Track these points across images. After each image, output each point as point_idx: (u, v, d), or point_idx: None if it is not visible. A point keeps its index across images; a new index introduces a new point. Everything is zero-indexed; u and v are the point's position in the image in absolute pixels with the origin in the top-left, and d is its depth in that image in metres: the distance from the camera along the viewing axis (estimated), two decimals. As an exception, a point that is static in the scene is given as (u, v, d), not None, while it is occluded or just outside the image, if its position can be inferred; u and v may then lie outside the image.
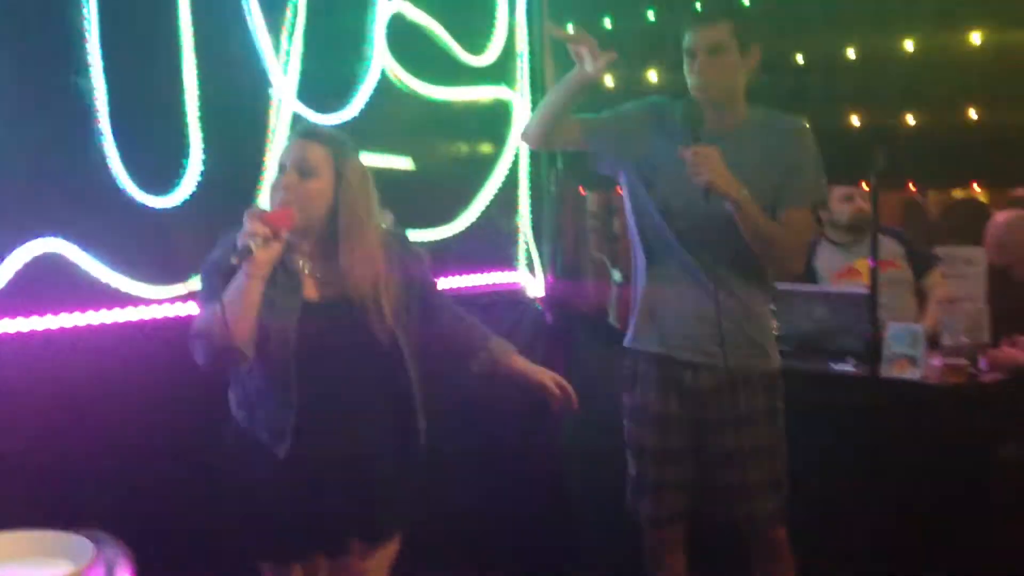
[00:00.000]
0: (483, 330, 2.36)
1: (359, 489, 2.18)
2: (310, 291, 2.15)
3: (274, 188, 2.12)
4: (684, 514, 2.68)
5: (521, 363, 2.33)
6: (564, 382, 2.30)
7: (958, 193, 4.22)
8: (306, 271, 2.14)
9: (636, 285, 2.71)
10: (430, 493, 2.38)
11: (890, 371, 3.07)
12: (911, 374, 3.08)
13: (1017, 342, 3.19)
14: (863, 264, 3.77)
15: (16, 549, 1.54)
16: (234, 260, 1.96)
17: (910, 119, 2.94)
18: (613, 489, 3.31)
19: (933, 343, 3.16)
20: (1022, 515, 2.86)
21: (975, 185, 2.85)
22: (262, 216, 2.00)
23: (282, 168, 2.14)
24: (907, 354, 3.12)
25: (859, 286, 3.56)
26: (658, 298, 2.61)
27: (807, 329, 3.38)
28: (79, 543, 1.55)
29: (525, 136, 2.71)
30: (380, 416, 2.22)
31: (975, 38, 2.81)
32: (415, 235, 3.32)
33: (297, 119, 2.90)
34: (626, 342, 2.72)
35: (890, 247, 3.68)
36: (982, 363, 3.13)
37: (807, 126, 2.55)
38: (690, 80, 2.46)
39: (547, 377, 2.30)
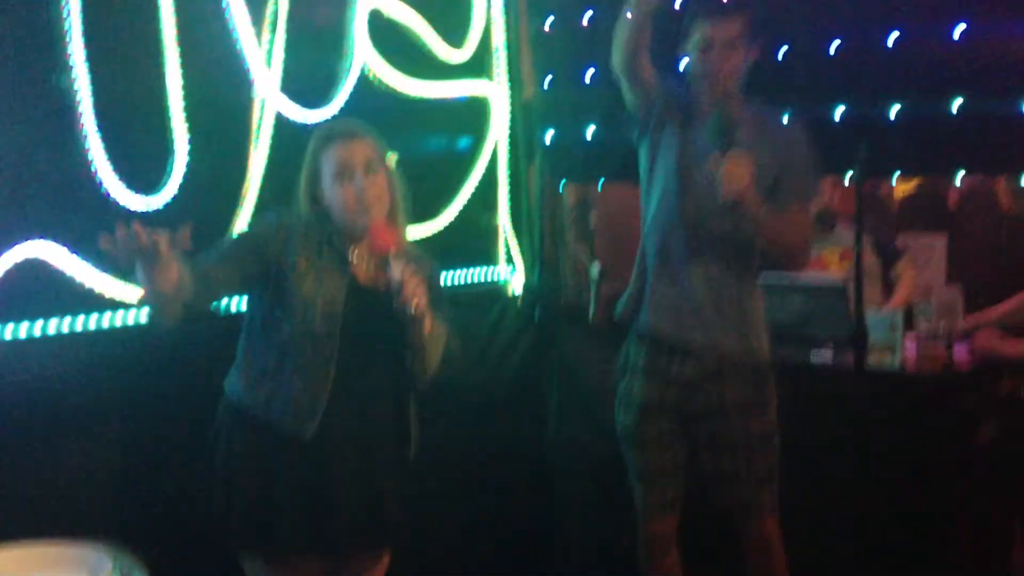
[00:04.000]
0: None
1: (368, 486, 2.17)
2: (358, 274, 2.19)
3: (348, 194, 2.13)
4: (676, 503, 2.70)
5: None
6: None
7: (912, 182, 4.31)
8: (353, 259, 2.19)
9: (644, 274, 2.70)
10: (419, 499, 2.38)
11: (868, 359, 3.12)
12: (889, 362, 3.14)
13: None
14: (831, 254, 3.85)
15: (31, 562, 1.51)
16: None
17: (892, 111, 3.00)
18: (599, 484, 3.34)
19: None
20: (1002, 501, 2.94)
21: (960, 175, 2.91)
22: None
23: (346, 172, 2.14)
24: (885, 342, 3.19)
25: (833, 276, 3.63)
26: (662, 289, 2.62)
27: (784, 320, 3.42)
28: (95, 555, 1.52)
29: (614, 63, 2.58)
30: (390, 412, 2.24)
31: (956, 31, 2.87)
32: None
33: (280, 117, 2.87)
34: (636, 329, 2.71)
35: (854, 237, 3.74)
36: (956, 350, 3.21)
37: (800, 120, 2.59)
38: (700, 70, 2.45)
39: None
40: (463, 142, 3.63)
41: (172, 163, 2.61)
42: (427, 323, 2.09)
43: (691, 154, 2.53)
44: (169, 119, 2.60)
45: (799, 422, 2.84)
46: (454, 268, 3.54)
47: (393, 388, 2.24)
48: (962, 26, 2.87)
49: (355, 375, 2.15)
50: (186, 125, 2.62)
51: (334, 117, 3.06)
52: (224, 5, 2.74)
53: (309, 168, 2.21)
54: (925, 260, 4.11)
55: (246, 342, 2.19)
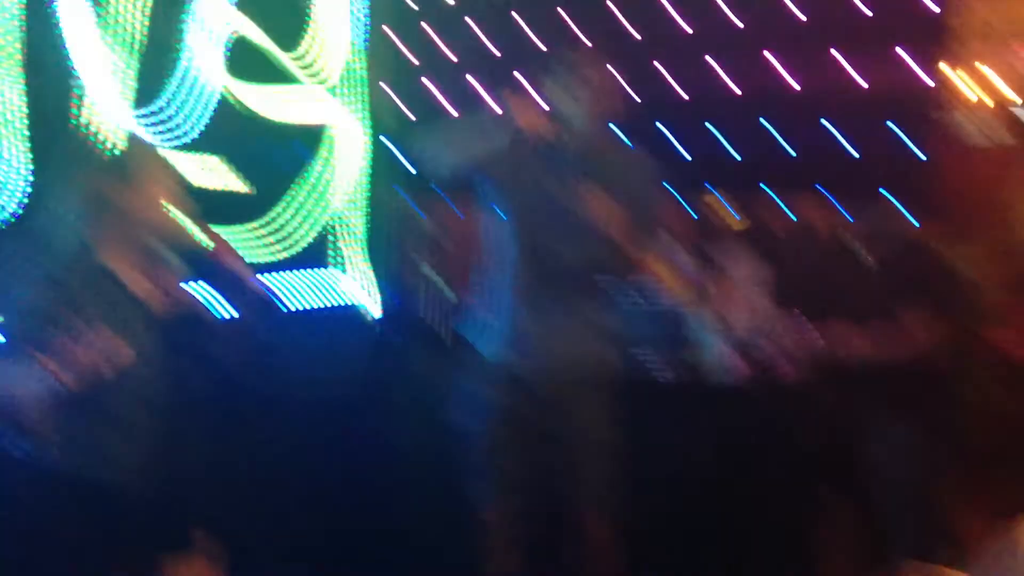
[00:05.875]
0: None
1: None
2: None
3: None
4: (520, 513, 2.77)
5: None
6: None
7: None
8: None
9: (499, 301, 2.69)
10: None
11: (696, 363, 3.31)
12: (714, 365, 3.32)
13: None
14: (662, 267, 4.02)
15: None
16: None
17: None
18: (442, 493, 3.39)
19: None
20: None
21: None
22: None
23: None
24: (709, 346, 3.37)
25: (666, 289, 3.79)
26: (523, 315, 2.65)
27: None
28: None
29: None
30: None
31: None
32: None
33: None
34: (490, 355, 2.69)
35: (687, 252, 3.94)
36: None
37: None
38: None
39: None
40: (325, 165, 3.71)
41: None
42: None
43: (540, 186, 2.63)
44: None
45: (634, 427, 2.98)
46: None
47: None
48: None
49: None
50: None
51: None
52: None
53: None
54: (748, 278, 4.30)
55: None
